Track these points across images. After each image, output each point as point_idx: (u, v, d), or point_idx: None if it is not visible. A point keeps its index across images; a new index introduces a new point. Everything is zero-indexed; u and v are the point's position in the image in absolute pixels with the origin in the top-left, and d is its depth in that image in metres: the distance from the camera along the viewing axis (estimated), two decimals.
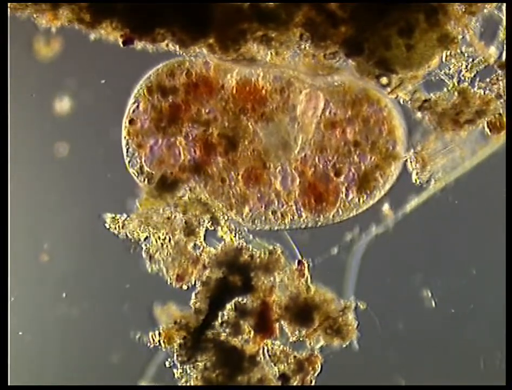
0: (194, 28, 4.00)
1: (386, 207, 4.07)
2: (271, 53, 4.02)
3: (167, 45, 4.02)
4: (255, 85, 4.08)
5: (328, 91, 4.05)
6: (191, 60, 4.08)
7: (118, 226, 4.06)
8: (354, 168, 4.06)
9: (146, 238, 4.07)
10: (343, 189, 4.07)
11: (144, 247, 4.07)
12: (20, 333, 4.12)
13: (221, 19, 3.97)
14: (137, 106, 4.09)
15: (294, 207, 4.06)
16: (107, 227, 4.06)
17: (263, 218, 4.07)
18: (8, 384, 3.95)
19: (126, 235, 4.06)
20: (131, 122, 4.09)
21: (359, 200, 4.07)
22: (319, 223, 4.08)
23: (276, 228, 4.08)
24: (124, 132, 4.08)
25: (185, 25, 3.99)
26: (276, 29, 3.98)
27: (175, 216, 4.07)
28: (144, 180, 4.07)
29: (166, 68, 4.08)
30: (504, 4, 3.95)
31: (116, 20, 4.00)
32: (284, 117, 4.07)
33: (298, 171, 4.06)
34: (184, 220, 4.06)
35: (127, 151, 4.09)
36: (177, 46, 4.02)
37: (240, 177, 4.05)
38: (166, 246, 4.06)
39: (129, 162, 4.09)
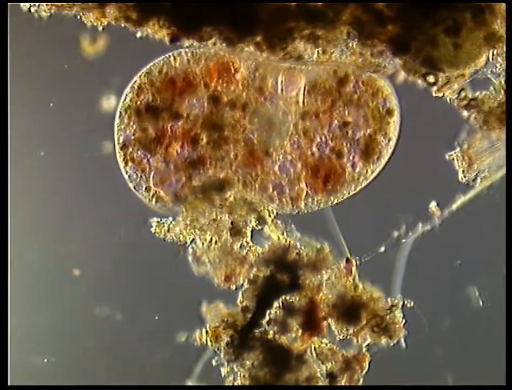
0: (241, 26, 4.25)
1: (433, 205, 4.33)
2: (318, 51, 4.28)
3: (214, 43, 4.28)
4: (231, 66, 4.31)
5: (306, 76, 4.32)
6: (167, 62, 4.31)
7: (164, 230, 4.32)
8: (354, 144, 4.32)
9: (192, 241, 4.33)
10: (349, 165, 4.34)
11: (190, 250, 4.32)
12: (46, 360, 4.40)
13: (268, 18, 4.22)
14: (125, 129, 4.32)
15: (305, 191, 4.34)
16: (153, 231, 4.31)
17: (278, 203, 4.33)
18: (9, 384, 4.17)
19: (173, 238, 4.33)
20: (124, 147, 4.33)
21: (367, 171, 4.33)
22: (334, 201, 4.34)
23: (289, 212, 4.33)
24: (120, 160, 4.33)
25: (233, 23, 4.24)
26: (323, 27, 4.23)
27: (221, 218, 4.33)
28: (155, 200, 4.34)
29: (148, 87, 4.31)
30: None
31: (162, 18, 4.25)
32: (267, 106, 4.31)
33: (297, 159, 4.32)
34: (230, 221, 4.33)
35: (129, 177, 4.35)
36: (224, 45, 4.28)
37: (240, 162, 4.31)
38: (213, 247, 4.32)
39: (134, 187, 4.35)
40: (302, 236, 4.32)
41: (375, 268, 4.32)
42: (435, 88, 4.27)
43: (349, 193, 4.34)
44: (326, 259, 4.30)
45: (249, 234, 4.31)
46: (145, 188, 4.34)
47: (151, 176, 4.31)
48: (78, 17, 4.23)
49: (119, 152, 4.32)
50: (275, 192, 4.31)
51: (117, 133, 4.32)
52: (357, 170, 4.33)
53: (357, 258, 4.32)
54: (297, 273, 4.29)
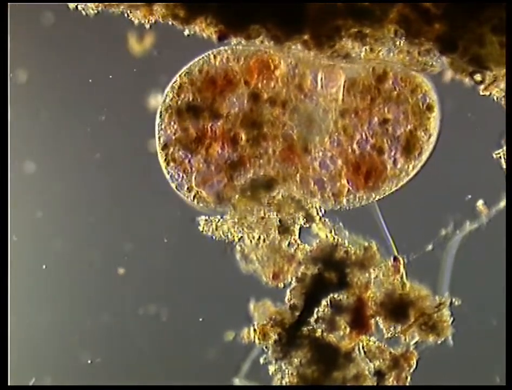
0: (289, 24, 4.27)
1: (480, 203, 4.36)
2: (366, 49, 4.30)
3: (262, 41, 4.30)
4: (271, 63, 4.34)
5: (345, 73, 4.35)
6: (207, 61, 4.33)
7: (212, 228, 4.34)
8: (395, 140, 4.35)
9: (240, 238, 4.35)
10: (390, 161, 4.37)
11: (238, 248, 4.34)
12: (89, 361, 4.41)
13: (315, 15, 4.24)
14: (166, 129, 4.35)
15: (347, 188, 4.37)
16: (201, 229, 4.33)
17: (320, 198, 4.36)
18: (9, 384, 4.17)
19: (221, 237, 4.34)
20: (165, 147, 4.35)
21: (408, 167, 4.36)
22: (376, 197, 4.37)
23: (331, 208, 4.36)
24: (161, 160, 4.36)
25: (280, 21, 4.26)
26: (370, 26, 4.25)
27: (269, 216, 4.35)
28: (197, 200, 4.36)
29: (189, 86, 4.33)
30: None
31: (210, 16, 4.26)
32: (307, 103, 4.34)
33: (337, 155, 4.34)
34: (278, 219, 4.35)
35: (171, 177, 4.37)
36: (272, 43, 4.30)
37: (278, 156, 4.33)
38: (261, 245, 4.34)
39: (176, 187, 4.37)
40: (350, 234, 4.34)
41: (423, 266, 4.34)
42: (482, 86, 4.30)
43: (391, 189, 4.37)
44: (373, 257, 4.32)
45: (297, 232, 4.34)
46: (187, 188, 4.35)
47: (193, 176, 4.33)
48: (126, 15, 4.24)
49: (160, 152, 4.34)
50: (316, 187, 4.34)
51: (158, 133, 4.33)
52: (398, 166, 4.36)
53: (405, 256, 4.34)
54: (345, 271, 4.31)
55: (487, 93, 4.31)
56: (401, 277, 4.33)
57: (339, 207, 4.36)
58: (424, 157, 4.38)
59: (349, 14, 4.21)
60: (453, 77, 4.31)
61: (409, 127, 4.35)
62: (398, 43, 4.25)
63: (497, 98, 4.31)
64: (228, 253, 4.32)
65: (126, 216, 4.40)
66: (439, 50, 4.26)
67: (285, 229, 4.32)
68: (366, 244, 4.33)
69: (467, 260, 4.36)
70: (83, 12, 4.22)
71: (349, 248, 4.33)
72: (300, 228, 4.34)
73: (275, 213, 4.33)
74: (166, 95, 4.34)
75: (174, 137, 4.33)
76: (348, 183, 4.34)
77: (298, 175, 4.33)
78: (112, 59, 4.35)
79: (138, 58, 4.36)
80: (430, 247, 4.34)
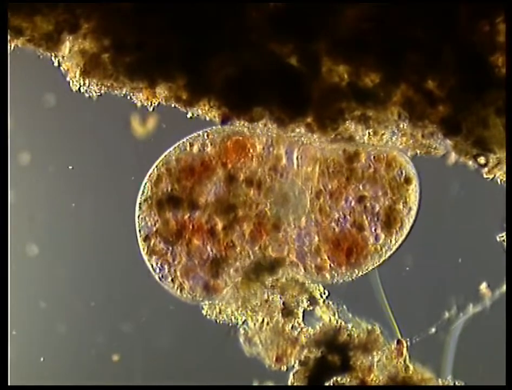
0: (292, 107, 4.27)
1: (483, 286, 4.38)
2: (369, 132, 4.31)
3: (265, 124, 4.30)
4: (247, 142, 4.35)
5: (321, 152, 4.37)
6: (183, 149, 4.36)
7: (216, 312, 4.35)
8: (374, 216, 4.38)
9: (244, 322, 4.37)
10: (372, 237, 4.39)
11: (242, 331, 4.36)
12: None
13: (318, 98, 4.25)
14: (146, 221, 4.37)
15: (328, 264, 4.39)
16: (205, 313, 4.35)
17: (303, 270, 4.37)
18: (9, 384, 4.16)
19: (224, 320, 4.36)
20: (146, 239, 4.36)
21: (390, 241, 4.40)
22: (358, 274, 4.39)
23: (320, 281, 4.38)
24: (143, 252, 4.37)
25: (284, 103, 4.26)
26: (374, 108, 4.26)
27: (273, 298, 4.36)
28: (181, 290, 4.38)
29: (167, 176, 4.35)
30: None
31: (213, 99, 4.26)
32: (282, 182, 4.36)
33: (315, 234, 4.35)
34: (282, 302, 4.36)
35: (153, 268, 4.38)
36: (275, 125, 4.30)
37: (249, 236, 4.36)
38: (265, 328, 4.35)
39: (159, 278, 4.39)
40: (353, 317, 4.36)
41: (426, 349, 4.36)
42: (486, 169, 4.31)
43: (374, 265, 4.39)
44: (377, 340, 4.34)
45: (300, 315, 4.35)
46: (171, 280, 4.36)
47: (177, 268, 4.34)
48: (128, 97, 4.24)
49: (142, 244, 4.34)
50: (296, 259, 4.34)
51: (138, 225, 4.33)
52: (380, 241, 4.37)
53: (408, 339, 4.36)
54: (348, 355, 4.33)
55: (491, 176, 4.32)
56: (404, 360, 4.35)
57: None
58: (405, 230, 4.38)
59: (353, 97, 4.21)
60: (457, 159, 4.32)
61: (387, 202, 4.37)
62: (401, 125, 4.26)
63: (501, 181, 4.32)
64: (232, 336, 4.33)
65: (127, 299, 4.40)
66: (443, 132, 4.26)
67: (289, 312, 4.34)
68: (369, 326, 4.35)
69: (470, 343, 4.37)
70: (86, 95, 4.21)
71: (352, 331, 4.35)
72: (303, 311, 4.35)
73: (278, 296, 4.34)
74: (144, 186, 4.33)
75: (154, 229, 4.33)
76: (329, 259, 4.36)
77: (270, 249, 4.33)
78: (116, 141, 4.35)
79: (141, 140, 4.36)
80: (433, 330, 4.36)
